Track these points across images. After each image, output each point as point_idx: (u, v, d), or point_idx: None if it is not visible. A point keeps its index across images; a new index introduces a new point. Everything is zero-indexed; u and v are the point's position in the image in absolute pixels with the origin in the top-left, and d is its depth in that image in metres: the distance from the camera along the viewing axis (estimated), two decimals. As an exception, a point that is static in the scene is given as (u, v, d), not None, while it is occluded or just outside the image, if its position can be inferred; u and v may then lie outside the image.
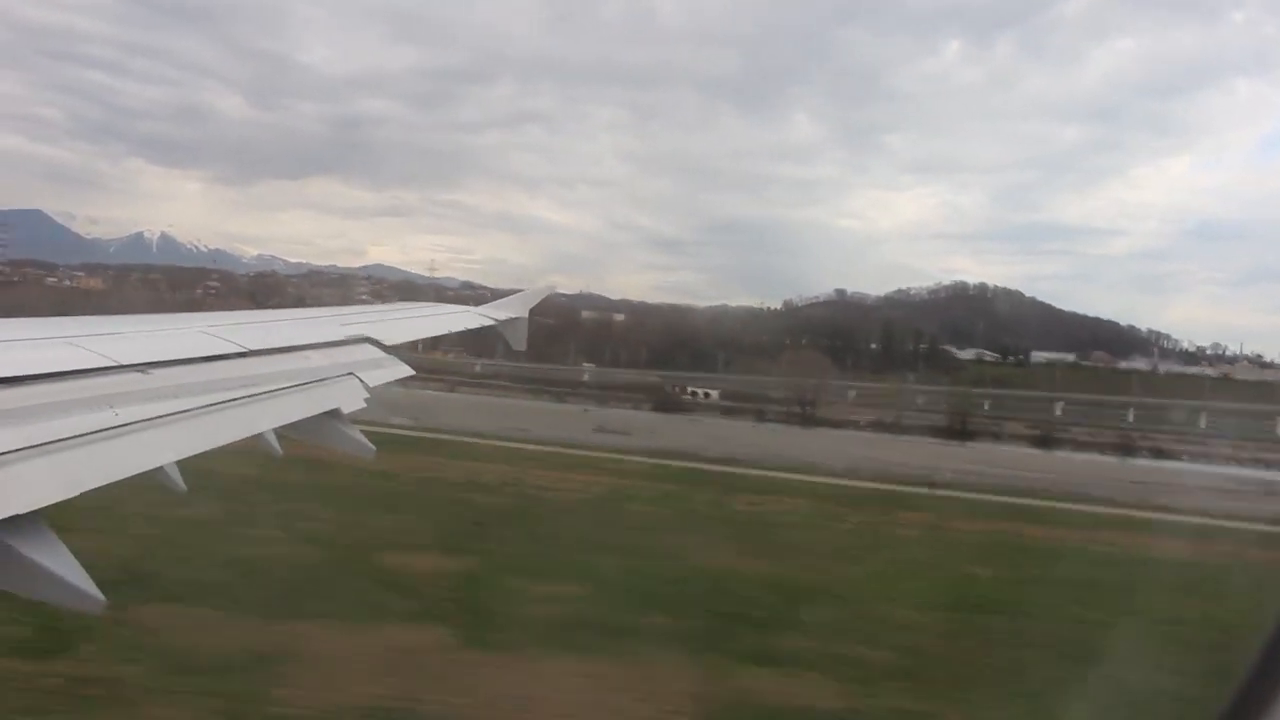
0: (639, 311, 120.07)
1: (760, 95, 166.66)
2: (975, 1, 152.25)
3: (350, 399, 5.72)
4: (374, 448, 5.50)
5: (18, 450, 3.05)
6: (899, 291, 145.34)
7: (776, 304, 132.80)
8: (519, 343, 11.47)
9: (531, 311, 11.79)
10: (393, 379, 6.65)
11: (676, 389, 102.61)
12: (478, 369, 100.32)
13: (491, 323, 10.71)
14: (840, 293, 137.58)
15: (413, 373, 7.06)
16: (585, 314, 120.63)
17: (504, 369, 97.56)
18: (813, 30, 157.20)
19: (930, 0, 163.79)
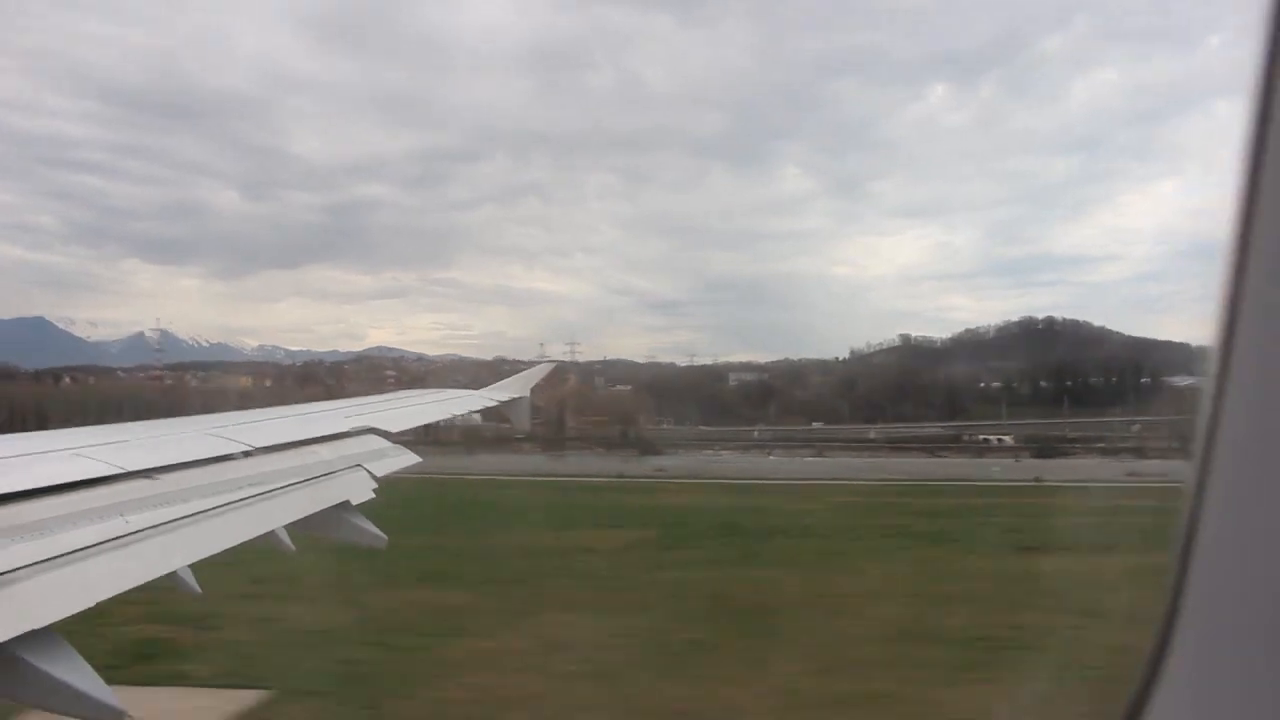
0: (707, 374, 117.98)
1: (749, 152, 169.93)
2: (959, 46, 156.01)
3: (358, 490, 5.73)
4: (385, 537, 5.50)
5: (31, 565, 3.06)
6: (966, 332, 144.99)
7: (811, 356, 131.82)
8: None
9: (532, 392, 11.83)
10: (400, 468, 6.67)
11: (978, 437, 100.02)
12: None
13: (494, 404, 10.75)
14: (905, 338, 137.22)
15: (419, 460, 7.07)
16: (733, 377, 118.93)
17: (757, 434, 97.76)
18: (800, 86, 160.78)
19: (915, 48, 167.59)
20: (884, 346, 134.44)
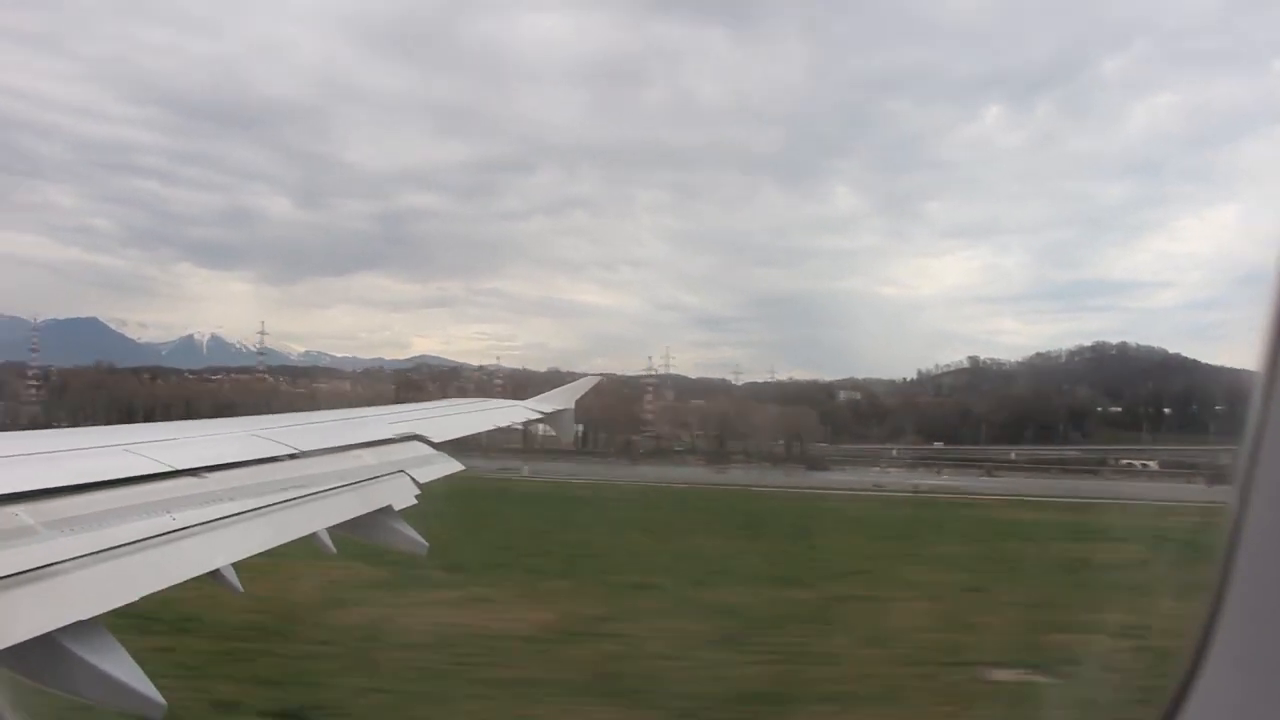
0: (819, 390, 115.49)
1: (801, 170, 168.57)
2: (1016, 66, 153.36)
3: (401, 496, 5.77)
4: (426, 544, 5.52)
5: (79, 557, 3.11)
6: (1037, 355, 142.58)
7: (875, 377, 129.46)
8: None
9: (582, 400, 11.85)
10: (442, 475, 6.70)
11: (1121, 461, 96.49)
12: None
13: (539, 416, 10.77)
14: (974, 360, 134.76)
15: (462, 468, 7.10)
16: (843, 395, 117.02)
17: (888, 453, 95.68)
18: (853, 104, 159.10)
19: (971, 67, 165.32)
20: (952, 368, 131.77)
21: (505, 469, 62.54)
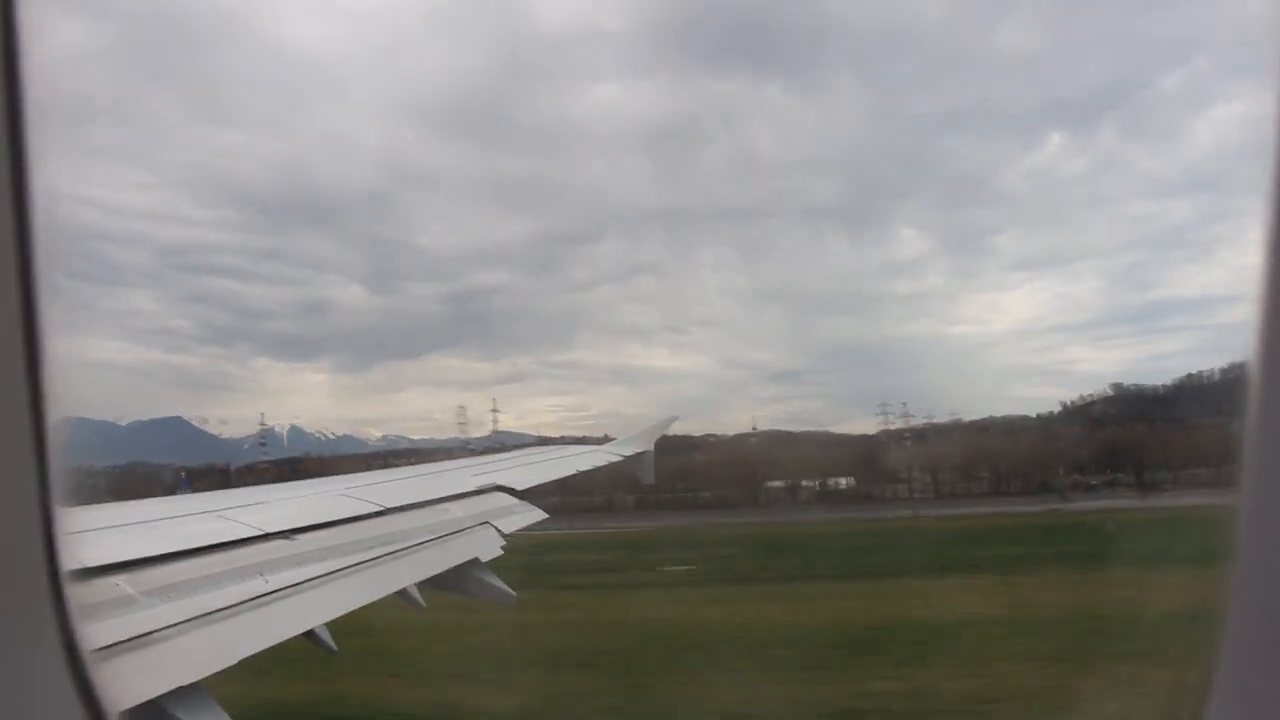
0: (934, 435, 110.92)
1: (864, 215, 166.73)
2: (1074, 92, 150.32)
3: (487, 547, 5.80)
4: (513, 594, 5.54)
5: (178, 624, 3.19)
6: (1189, 377, 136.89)
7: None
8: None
9: (656, 445, 11.83)
10: (526, 524, 6.73)
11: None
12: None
13: (619, 459, 10.77)
14: (1117, 386, 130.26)
15: (545, 516, 7.12)
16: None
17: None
18: (912, 145, 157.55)
19: (1028, 98, 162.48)
20: (1094, 398, 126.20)
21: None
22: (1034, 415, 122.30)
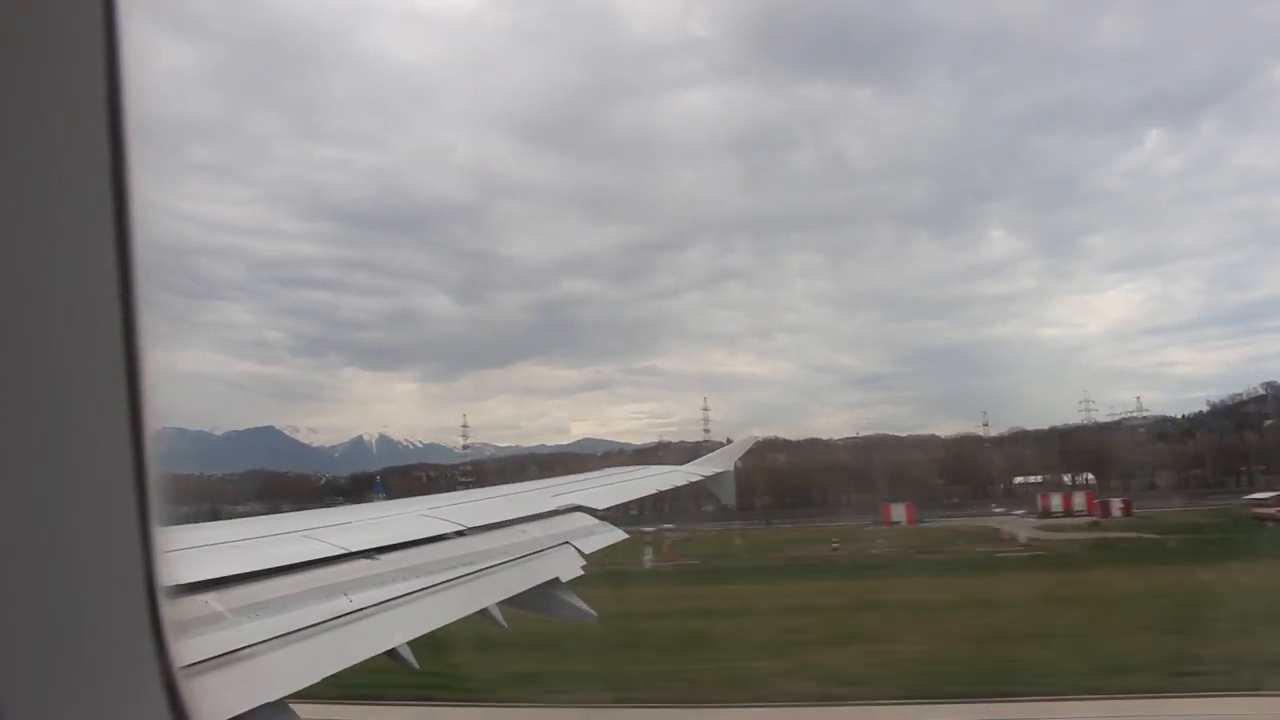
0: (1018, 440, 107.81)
1: (954, 217, 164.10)
2: (1174, 86, 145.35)
3: (567, 568, 5.78)
4: (594, 614, 5.50)
5: (266, 641, 3.22)
6: None
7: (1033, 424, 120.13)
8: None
9: (734, 467, 11.71)
10: (606, 545, 6.70)
11: None
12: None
13: (699, 479, 10.69)
14: (1270, 385, 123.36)
15: (625, 537, 7.08)
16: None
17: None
18: (1005, 145, 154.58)
19: (1126, 93, 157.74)
20: (1246, 397, 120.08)
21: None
22: (1179, 416, 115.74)
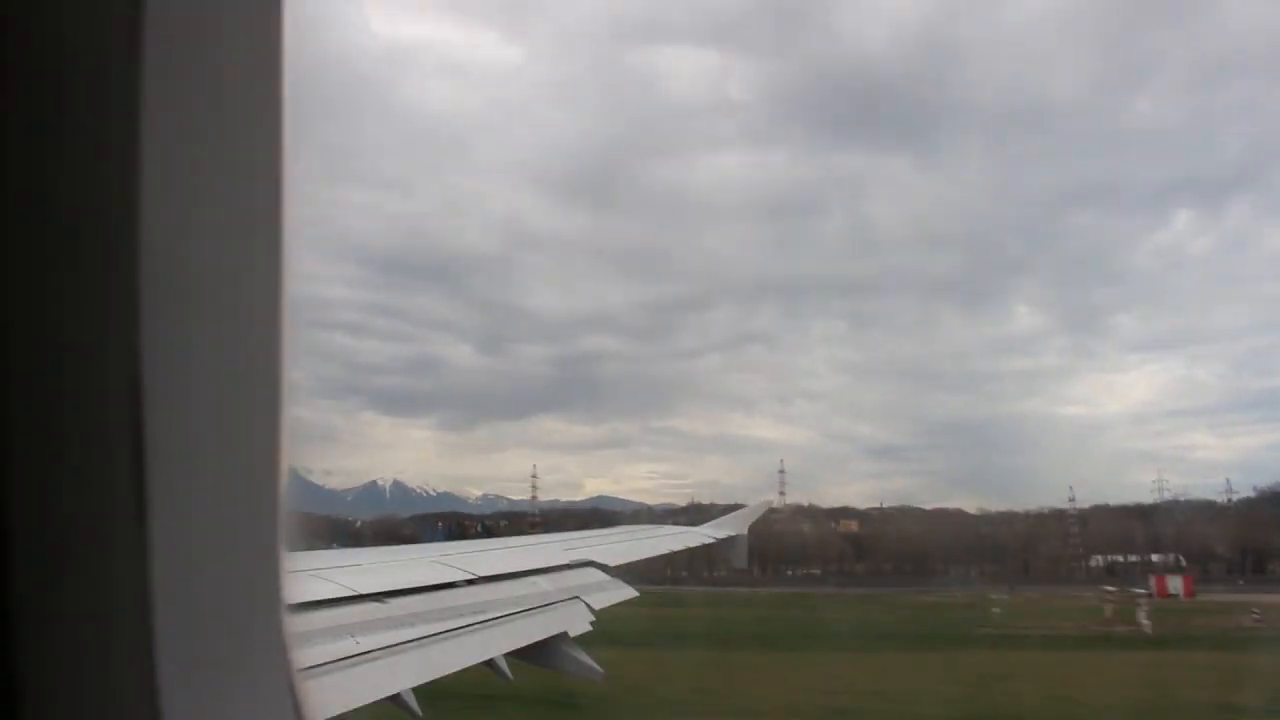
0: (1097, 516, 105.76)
1: (980, 291, 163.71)
2: (1203, 169, 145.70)
3: (576, 622, 5.72)
4: (601, 670, 5.43)
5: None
6: None
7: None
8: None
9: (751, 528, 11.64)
10: (616, 602, 6.63)
11: None
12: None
13: (712, 541, 10.62)
14: None
15: (635, 594, 7.02)
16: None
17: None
18: (1035, 220, 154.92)
19: (1156, 174, 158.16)
20: None
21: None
22: (1218, 501, 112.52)
